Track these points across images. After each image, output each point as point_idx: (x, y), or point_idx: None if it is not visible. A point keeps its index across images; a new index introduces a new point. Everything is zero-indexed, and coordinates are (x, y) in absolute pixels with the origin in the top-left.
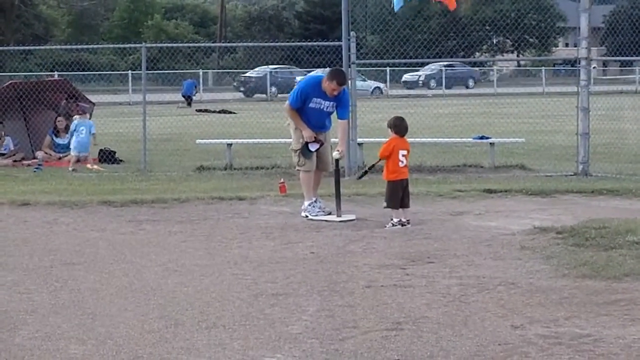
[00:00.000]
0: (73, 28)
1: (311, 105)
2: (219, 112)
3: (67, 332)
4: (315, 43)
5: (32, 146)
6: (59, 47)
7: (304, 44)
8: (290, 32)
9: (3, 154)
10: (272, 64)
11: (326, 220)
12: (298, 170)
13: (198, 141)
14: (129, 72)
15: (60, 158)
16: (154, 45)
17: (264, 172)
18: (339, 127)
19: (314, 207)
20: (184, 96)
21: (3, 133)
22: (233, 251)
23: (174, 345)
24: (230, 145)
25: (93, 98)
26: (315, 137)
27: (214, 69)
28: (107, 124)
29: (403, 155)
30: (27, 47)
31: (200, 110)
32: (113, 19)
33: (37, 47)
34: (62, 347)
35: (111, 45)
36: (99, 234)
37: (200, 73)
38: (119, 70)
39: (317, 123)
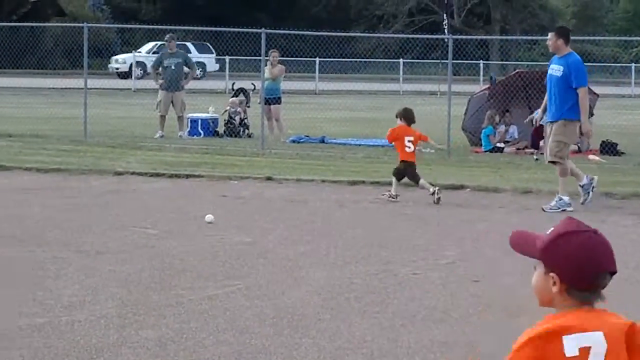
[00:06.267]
0: (577, 19)
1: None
2: None
3: None
4: None
5: (533, 135)
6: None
7: None
8: None
9: (507, 142)
10: None
11: None
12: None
13: None
14: (632, 64)
15: None
16: None
17: None
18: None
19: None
20: None
21: (500, 120)
22: None
23: None
24: None
25: (596, 89)
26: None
27: None
28: (609, 116)
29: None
30: (531, 37)
31: None
32: (617, 11)
33: (542, 38)
34: None
35: (614, 38)
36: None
37: None
38: (621, 63)
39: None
